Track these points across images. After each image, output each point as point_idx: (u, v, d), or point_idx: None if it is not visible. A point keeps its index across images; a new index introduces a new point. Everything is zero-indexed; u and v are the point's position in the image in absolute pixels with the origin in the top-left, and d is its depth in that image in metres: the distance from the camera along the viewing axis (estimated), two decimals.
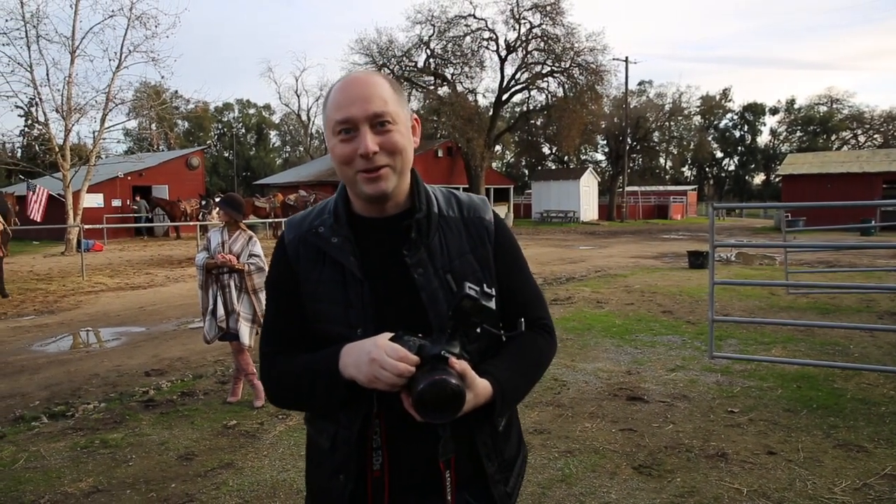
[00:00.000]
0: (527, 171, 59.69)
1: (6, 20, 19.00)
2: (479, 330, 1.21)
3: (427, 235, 1.29)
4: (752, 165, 70.64)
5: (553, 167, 50.37)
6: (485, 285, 1.21)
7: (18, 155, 29.62)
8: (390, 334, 1.18)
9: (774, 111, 68.95)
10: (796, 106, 67.06)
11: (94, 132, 21.28)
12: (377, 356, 1.13)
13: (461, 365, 1.14)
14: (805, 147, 58.30)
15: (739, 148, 70.77)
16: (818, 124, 63.16)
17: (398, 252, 1.27)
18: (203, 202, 25.70)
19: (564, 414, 4.58)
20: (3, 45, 19.01)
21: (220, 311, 4.71)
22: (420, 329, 1.19)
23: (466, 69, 40.31)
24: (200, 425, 4.45)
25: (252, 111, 75.09)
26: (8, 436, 4.30)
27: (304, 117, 62.30)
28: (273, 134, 76.77)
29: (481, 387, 1.18)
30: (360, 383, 1.17)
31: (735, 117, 69.75)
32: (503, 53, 39.43)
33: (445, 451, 1.21)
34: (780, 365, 5.72)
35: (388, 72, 39.77)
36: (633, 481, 3.48)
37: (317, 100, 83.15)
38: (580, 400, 4.89)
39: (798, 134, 66.45)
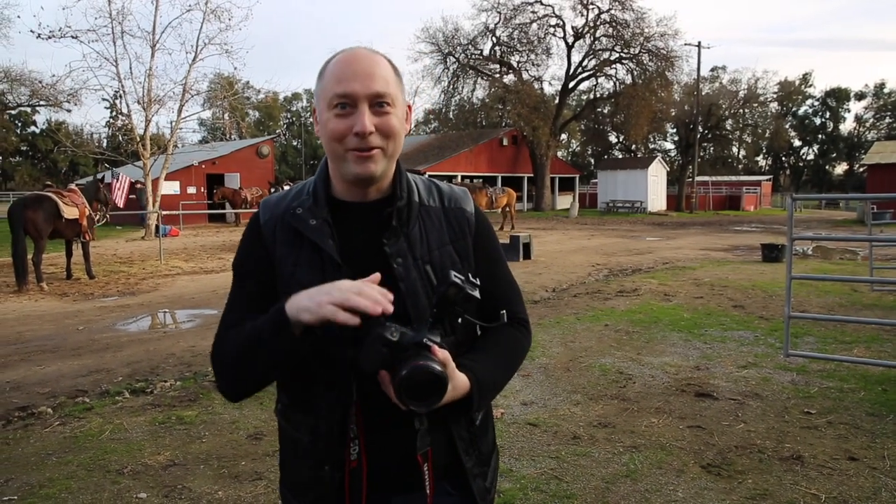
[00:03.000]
0: (593, 160, 58.59)
1: (95, 18, 20.09)
2: (460, 320, 1.18)
3: (407, 224, 1.25)
4: (834, 154, 66.94)
5: (620, 156, 49.20)
6: (470, 275, 1.17)
7: (104, 145, 31.32)
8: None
9: (861, 96, 65.11)
10: (886, 90, 63.07)
11: (171, 122, 22.29)
12: (330, 287, 1.09)
13: (443, 353, 1.10)
14: (895, 135, 54.71)
15: (820, 136, 67.22)
16: None
17: (377, 240, 1.23)
18: (272, 189, 26.52)
19: (630, 408, 4.48)
20: (93, 41, 20.15)
21: None
22: (398, 320, 1.12)
23: (532, 57, 39.84)
24: (268, 406, 4.60)
25: None
26: (96, 408, 4.57)
27: None
28: None
29: (459, 380, 1.15)
30: (309, 320, 1.08)
31: (816, 103, 66.33)
32: (570, 40, 38.73)
33: (422, 444, 1.18)
34: (863, 366, 5.41)
35: (454, 60, 39.70)
36: (702, 480, 3.38)
37: None
38: (646, 394, 4.77)
39: (887, 120, 62.53)
